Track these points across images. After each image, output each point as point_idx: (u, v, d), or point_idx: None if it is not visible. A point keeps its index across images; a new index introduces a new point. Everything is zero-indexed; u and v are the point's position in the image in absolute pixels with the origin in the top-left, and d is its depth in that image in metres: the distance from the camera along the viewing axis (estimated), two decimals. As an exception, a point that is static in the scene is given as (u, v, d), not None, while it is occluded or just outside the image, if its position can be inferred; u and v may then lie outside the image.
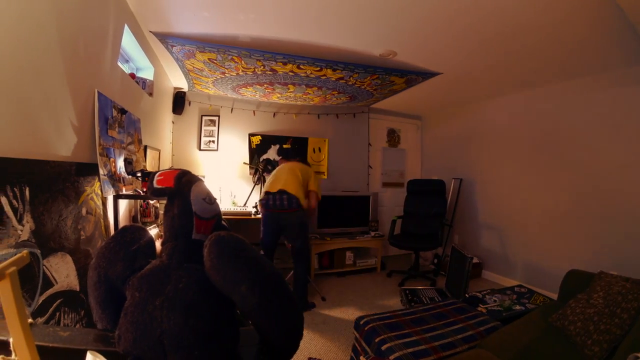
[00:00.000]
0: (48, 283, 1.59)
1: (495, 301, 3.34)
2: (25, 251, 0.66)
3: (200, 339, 0.83)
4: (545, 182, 4.42)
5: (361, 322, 2.68)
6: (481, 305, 3.23)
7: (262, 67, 3.71)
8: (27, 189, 1.47)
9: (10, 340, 0.71)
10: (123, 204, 2.78)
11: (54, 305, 1.62)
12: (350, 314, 3.89)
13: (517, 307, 3.24)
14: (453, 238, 5.88)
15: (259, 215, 4.93)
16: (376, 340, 2.40)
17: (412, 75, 4.06)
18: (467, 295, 3.47)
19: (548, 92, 4.40)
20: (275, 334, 0.91)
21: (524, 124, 4.75)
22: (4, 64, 1.34)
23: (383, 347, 2.30)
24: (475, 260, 4.92)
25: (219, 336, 0.87)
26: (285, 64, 3.59)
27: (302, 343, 0.96)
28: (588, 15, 2.54)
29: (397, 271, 5.42)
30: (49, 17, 1.65)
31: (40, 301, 1.52)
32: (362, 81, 4.25)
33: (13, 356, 0.73)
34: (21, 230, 1.42)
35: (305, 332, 0.89)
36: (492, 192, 5.27)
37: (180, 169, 1.05)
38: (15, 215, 1.39)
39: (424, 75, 4.06)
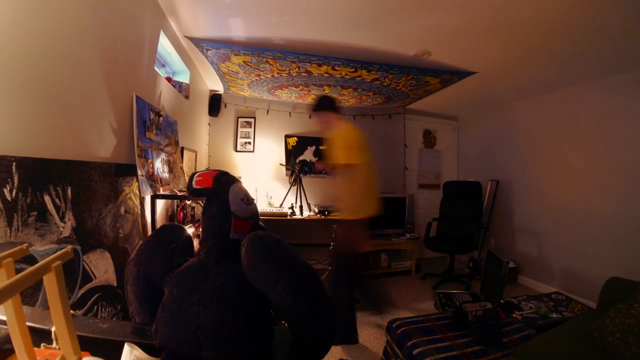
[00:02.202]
0: (87, 278, 1.67)
1: (531, 308, 3.23)
2: (69, 247, 0.70)
3: (235, 335, 0.84)
4: (586, 184, 4.23)
5: (393, 325, 2.65)
6: (516, 312, 3.14)
7: (297, 68, 3.75)
8: (69, 189, 1.56)
9: (52, 329, 0.75)
10: (160, 203, 2.87)
11: (92, 299, 1.70)
12: (382, 316, 3.86)
13: (554, 315, 3.13)
14: (489, 241, 5.73)
15: (295, 216, 5.00)
16: (408, 344, 2.37)
17: (447, 75, 4.00)
18: (502, 301, 3.37)
19: (588, 89, 4.20)
20: (309, 334, 0.92)
21: (563, 124, 4.56)
22: (48, 72, 1.42)
23: (414, 352, 2.27)
24: (511, 264, 4.78)
25: (254, 333, 0.88)
26: (320, 65, 3.61)
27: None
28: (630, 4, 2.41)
29: (432, 274, 5.33)
30: (90, 27, 1.73)
31: (80, 294, 1.60)
32: (397, 82, 4.22)
33: (54, 344, 0.77)
34: (63, 227, 1.50)
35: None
36: (530, 194, 5.08)
37: (218, 170, 1.07)
38: (58, 213, 1.47)
39: (459, 74, 3.98)
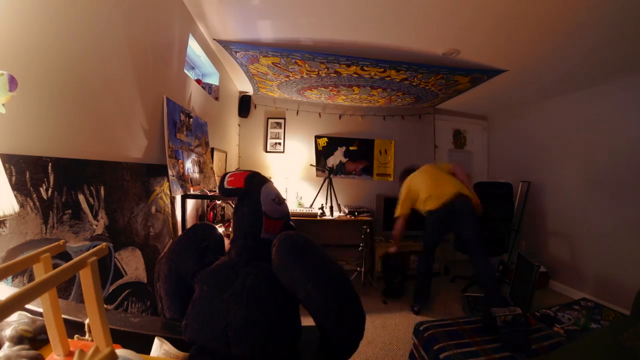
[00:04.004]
0: (118, 274, 1.73)
1: (569, 320, 3.08)
2: (104, 243, 0.73)
3: (263, 333, 0.85)
4: (622, 187, 4.04)
5: (421, 328, 2.63)
6: (557, 326, 2.98)
7: (325, 69, 3.76)
8: (102, 188, 1.62)
9: (86, 321, 0.79)
10: (190, 203, 2.93)
11: (123, 294, 1.76)
12: (410, 318, 3.82)
13: (593, 325, 2.97)
14: (519, 244, 5.57)
15: (325, 217, 5.01)
16: (435, 348, 2.34)
17: (477, 74, 3.93)
18: (537, 314, 3.23)
19: (628, 85, 3.98)
20: (337, 333, 0.93)
21: (598, 123, 4.37)
22: (82, 78, 1.49)
23: (441, 356, 2.24)
24: (542, 269, 4.62)
25: (282, 331, 0.89)
26: (348, 65, 3.61)
27: (360, 344, 0.97)
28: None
29: (461, 277, 5.26)
30: (121, 34, 1.80)
31: (111, 290, 1.66)
32: (426, 81, 4.18)
33: (87, 336, 0.81)
34: (96, 225, 1.56)
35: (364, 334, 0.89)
36: (563, 196, 4.91)
37: (250, 171, 1.08)
38: (91, 212, 1.53)
39: (489, 73, 3.91)
